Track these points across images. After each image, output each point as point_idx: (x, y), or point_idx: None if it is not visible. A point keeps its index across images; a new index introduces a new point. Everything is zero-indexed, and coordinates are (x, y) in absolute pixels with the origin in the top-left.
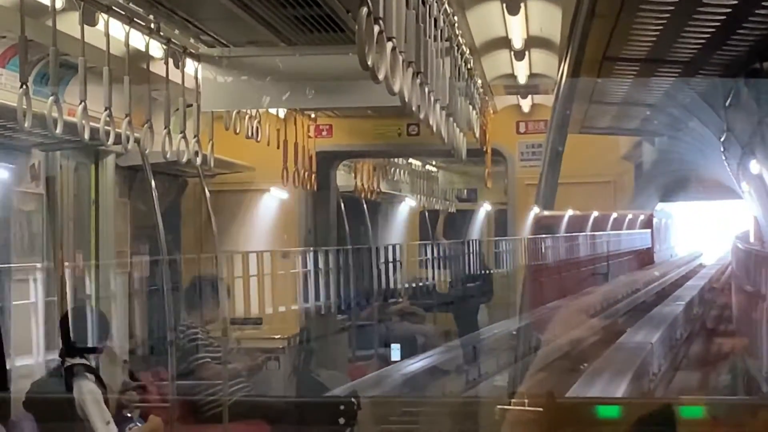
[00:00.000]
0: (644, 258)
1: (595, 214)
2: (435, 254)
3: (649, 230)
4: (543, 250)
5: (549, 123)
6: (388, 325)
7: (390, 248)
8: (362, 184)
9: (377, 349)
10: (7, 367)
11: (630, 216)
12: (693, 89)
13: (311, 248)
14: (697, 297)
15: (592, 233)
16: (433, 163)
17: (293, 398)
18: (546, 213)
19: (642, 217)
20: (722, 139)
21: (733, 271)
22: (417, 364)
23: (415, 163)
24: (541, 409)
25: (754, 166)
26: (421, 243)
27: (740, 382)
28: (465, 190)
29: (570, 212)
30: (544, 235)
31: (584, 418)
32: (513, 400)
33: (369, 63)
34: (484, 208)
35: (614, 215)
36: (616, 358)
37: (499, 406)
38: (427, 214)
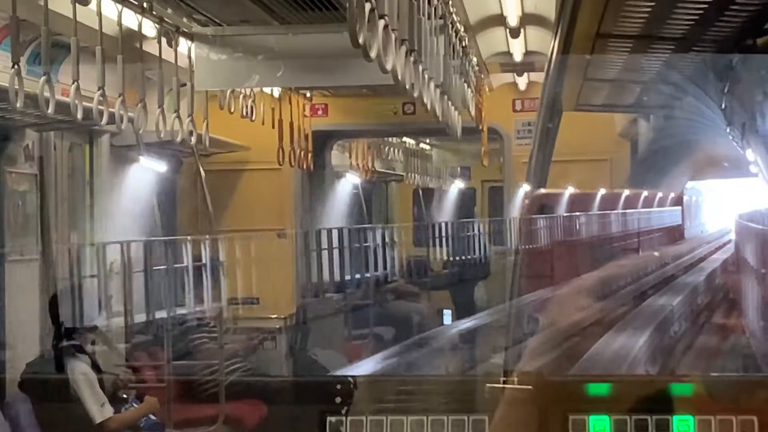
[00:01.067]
0: (674, 234)
1: (626, 192)
2: (432, 233)
3: (679, 208)
4: (577, 227)
5: (540, 100)
6: (383, 305)
7: (386, 227)
8: (356, 163)
9: (373, 328)
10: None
11: (660, 194)
12: (691, 66)
13: (308, 228)
14: (719, 269)
15: (623, 211)
16: (427, 141)
17: (290, 378)
18: (580, 191)
19: (672, 195)
20: (727, 127)
21: (736, 247)
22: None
23: (409, 141)
24: (530, 387)
25: (750, 154)
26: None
27: (742, 355)
28: (459, 168)
29: (602, 191)
30: (578, 213)
31: (576, 396)
32: (503, 379)
33: (361, 41)
34: (523, 188)
35: (645, 194)
36: (639, 317)
37: (488, 385)
38: (420, 192)
